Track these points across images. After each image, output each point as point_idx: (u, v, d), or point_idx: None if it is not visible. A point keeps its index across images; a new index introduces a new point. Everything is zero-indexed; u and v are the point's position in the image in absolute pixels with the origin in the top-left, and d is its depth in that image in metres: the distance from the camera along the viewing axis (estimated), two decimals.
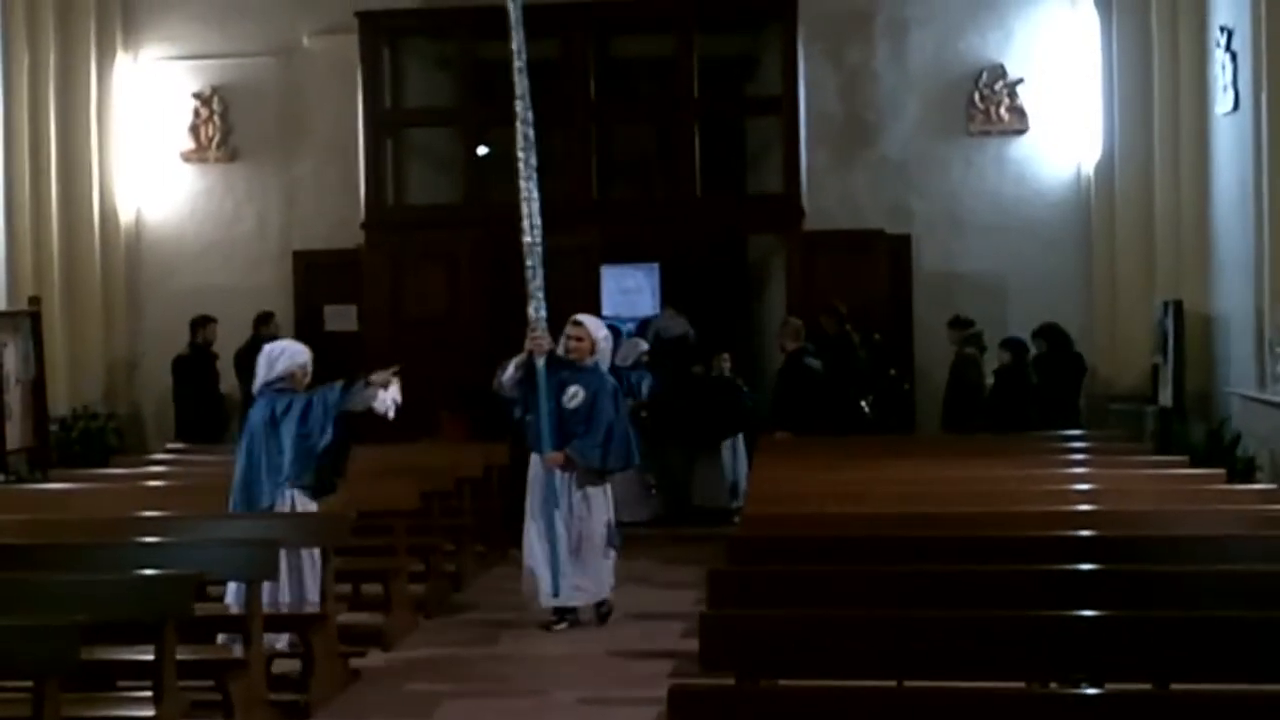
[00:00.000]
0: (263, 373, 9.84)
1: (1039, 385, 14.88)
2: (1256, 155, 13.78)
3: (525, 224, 11.27)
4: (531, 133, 11.56)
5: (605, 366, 11.32)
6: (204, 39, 18.22)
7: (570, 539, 10.94)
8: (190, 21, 18.24)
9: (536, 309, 11.10)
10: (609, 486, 11.32)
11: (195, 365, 16.54)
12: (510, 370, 11.03)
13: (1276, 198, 13.44)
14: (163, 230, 18.35)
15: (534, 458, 11.13)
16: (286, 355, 9.94)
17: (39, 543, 8.90)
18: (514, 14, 11.59)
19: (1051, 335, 15.50)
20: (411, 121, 18.40)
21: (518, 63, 11.53)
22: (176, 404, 16.69)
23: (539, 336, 11.02)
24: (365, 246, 17.41)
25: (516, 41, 11.58)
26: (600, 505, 11.14)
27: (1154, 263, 16.44)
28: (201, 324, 16.66)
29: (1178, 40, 15.89)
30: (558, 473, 10.98)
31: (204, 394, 16.47)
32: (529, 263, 11.18)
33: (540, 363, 10.96)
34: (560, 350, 11.14)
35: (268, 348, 10.16)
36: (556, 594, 10.90)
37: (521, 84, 11.55)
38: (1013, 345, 14.96)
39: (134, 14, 18.28)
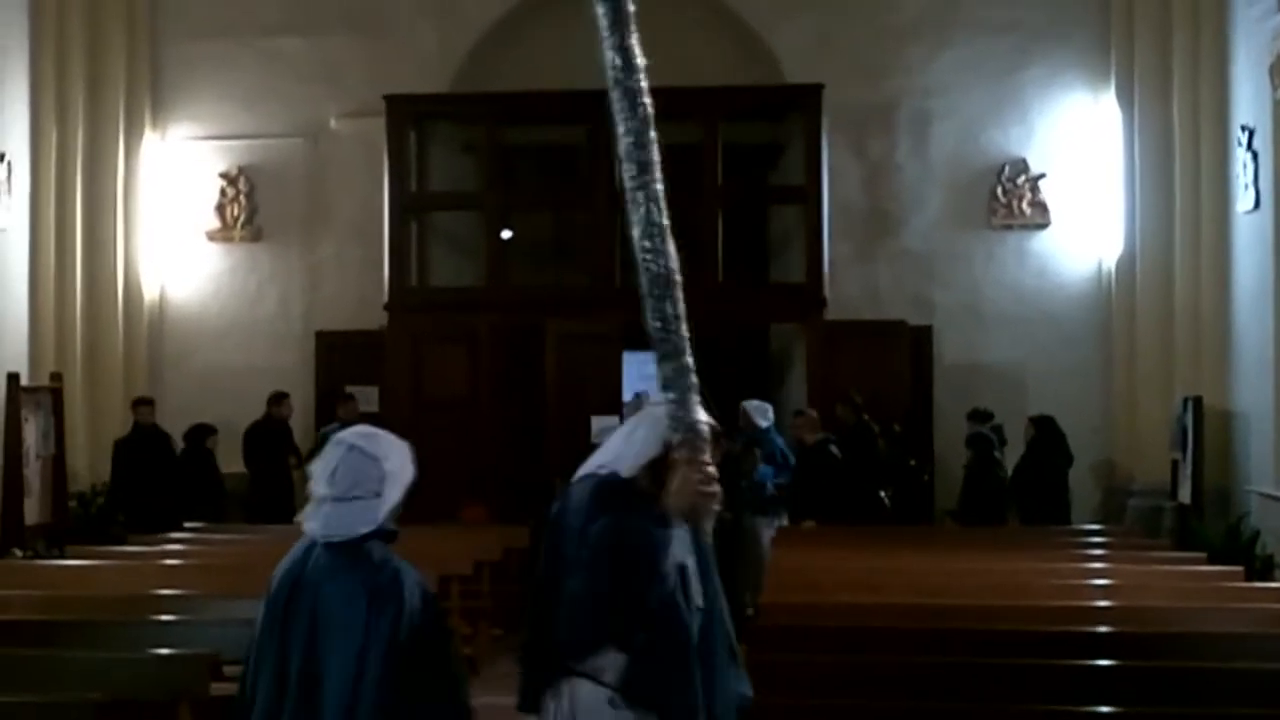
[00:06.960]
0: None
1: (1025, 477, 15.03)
2: (1277, 253, 13.84)
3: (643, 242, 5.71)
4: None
5: None
6: (232, 119, 18.38)
7: None
8: (219, 102, 18.41)
9: (682, 402, 5.49)
10: None
11: (138, 447, 16.35)
12: (669, 559, 5.21)
13: None
14: (186, 308, 18.45)
15: None
16: None
17: (56, 619, 8.89)
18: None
19: (1041, 425, 15.63)
20: (436, 205, 18.54)
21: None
22: (115, 485, 16.39)
23: (709, 476, 5.31)
24: (387, 328, 17.49)
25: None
26: None
27: (1174, 358, 16.43)
28: (135, 405, 16.68)
29: (1199, 138, 15.94)
30: None
31: (152, 476, 16.14)
32: (653, 314, 5.69)
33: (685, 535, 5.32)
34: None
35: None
36: None
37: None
38: (977, 441, 15.04)
39: (163, 93, 18.45)
